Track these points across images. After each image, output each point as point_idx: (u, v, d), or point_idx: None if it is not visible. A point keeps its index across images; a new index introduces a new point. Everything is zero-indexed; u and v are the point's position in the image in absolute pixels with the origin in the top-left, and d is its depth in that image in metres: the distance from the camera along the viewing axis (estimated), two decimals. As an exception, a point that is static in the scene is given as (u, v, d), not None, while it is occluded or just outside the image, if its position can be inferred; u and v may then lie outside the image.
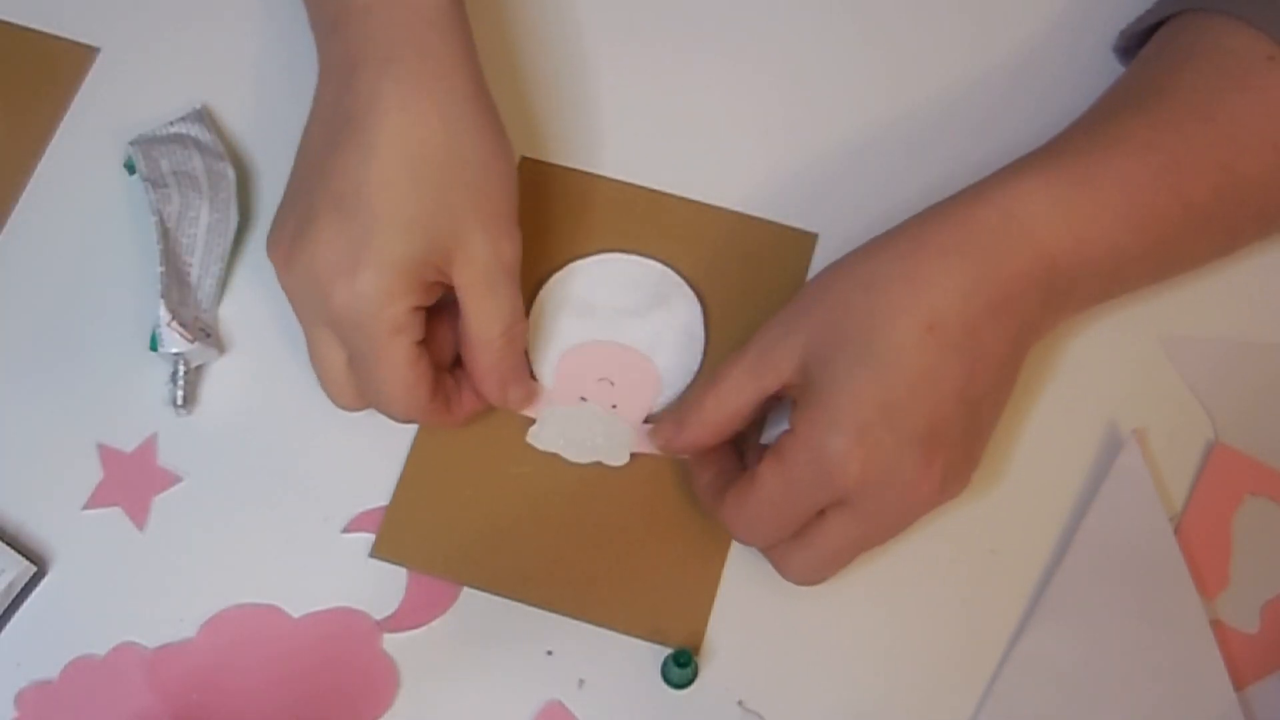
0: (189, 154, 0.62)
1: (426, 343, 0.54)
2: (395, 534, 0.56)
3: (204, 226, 0.60)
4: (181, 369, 0.58)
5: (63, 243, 0.62)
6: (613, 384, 0.59)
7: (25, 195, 0.63)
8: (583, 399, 0.59)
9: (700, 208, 0.62)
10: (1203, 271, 0.58)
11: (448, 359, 0.57)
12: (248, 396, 0.59)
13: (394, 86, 0.53)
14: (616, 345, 0.60)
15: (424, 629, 0.55)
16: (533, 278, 0.60)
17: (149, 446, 0.58)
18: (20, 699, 0.54)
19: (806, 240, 0.61)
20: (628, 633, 0.55)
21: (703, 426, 0.54)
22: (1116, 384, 0.58)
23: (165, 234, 0.59)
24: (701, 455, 0.55)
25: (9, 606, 0.56)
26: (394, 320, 0.52)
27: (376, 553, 0.56)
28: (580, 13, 0.67)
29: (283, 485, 0.58)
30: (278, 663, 0.55)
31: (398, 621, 0.55)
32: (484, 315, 0.54)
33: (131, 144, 0.63)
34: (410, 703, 0.54)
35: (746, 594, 0.55)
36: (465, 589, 0.56)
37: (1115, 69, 0.61)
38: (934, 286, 0.50)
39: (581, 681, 0.54)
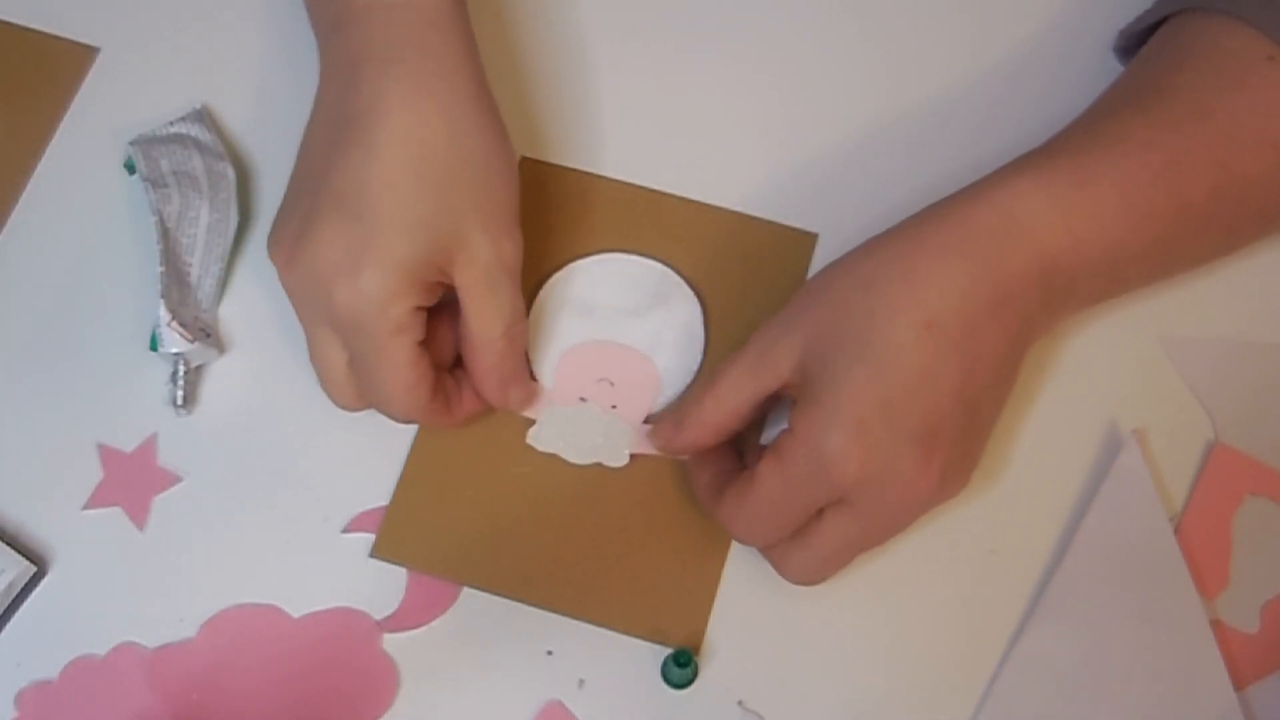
0: (189, 154, 0.62)
1: (427, 343, 0.54)
2: (395, 534, 0.56)
3: (204, 226, 0.60)
4: (181, 369, 0.58)
5: (63, 243, 0.62)
6: (612, 384, 0.59)
7: (25, 195, 0.63)
8: (582, 399, 0.59)
9: (700, 208, 0.62)
10: (1202, 271, 0.58)
11: (448, 359, 0.57)
12: (248, 396, 0.59)
13: (396, 86, 0.53)
14: (616, 345, 0.60)
15: (424, 629, 0.55)
16: (533, 278, 0.60)
17: (149, 446, 0.58)
18: (20, 699, 0.54)
19: (806, 240, 0.61)
20: (628, 633, 0.55)
21: (702, 426, 0.54)
22: (1116, 384, 0.58)
23: (165, 234, 0.59)
24: (701, 455, 0.55)
25: (9, 606, 0.56)
26: (396, 320, 0.52)
27: (376, 553, 0.56)
28: (581, 13, 0.67)
29: (283, 485, 0.58)
30: (278, 663, 0.55)
31: (398, 621, 0.55)
32: (485, 315, 0.54)
33: (131, 144, 0.63)
34: (410, 703, 0.54)
35: (746, 594, 0.55)
36: (465, 589, 0.56)
37: (1114, 69, 0.61)
38: (932, 286, 0.50)
39: (581, 681, 0.54)
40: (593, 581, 0.56)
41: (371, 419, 0.56)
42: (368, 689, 0.54)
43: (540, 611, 0.55)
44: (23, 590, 0.56)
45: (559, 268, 0.61)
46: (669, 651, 0.54)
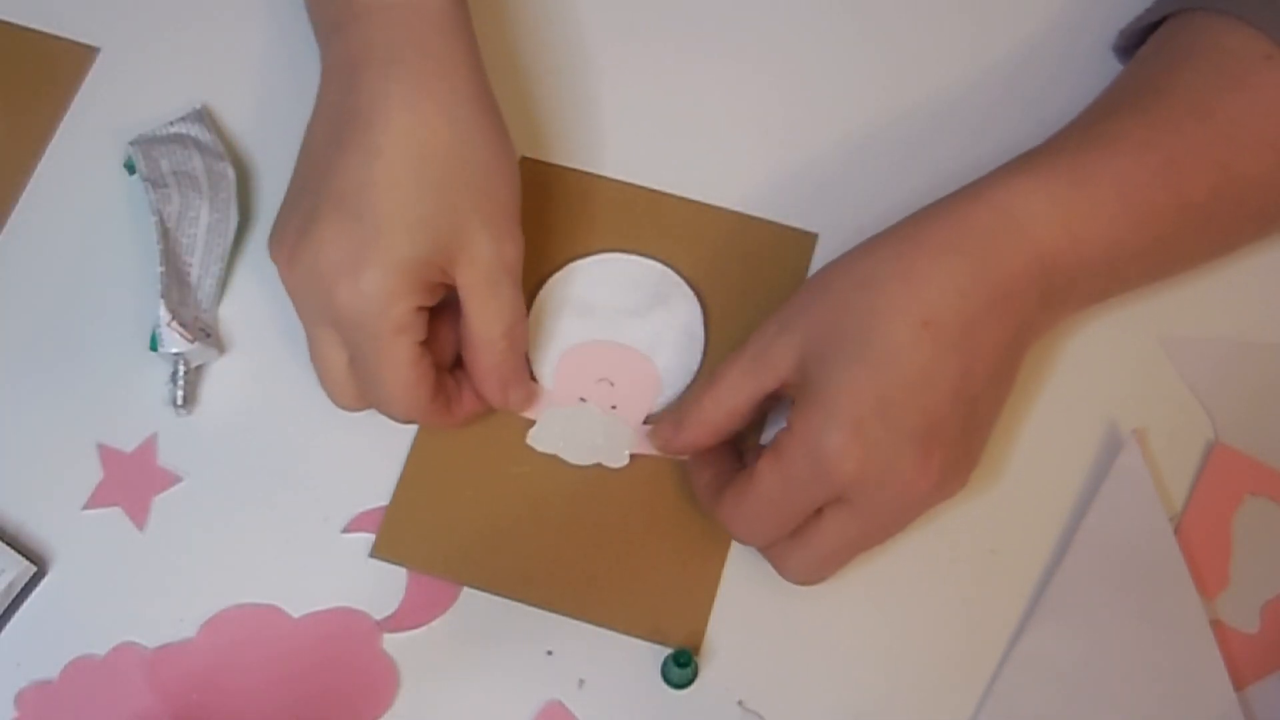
0: (189, 154, 0.62)
1: (428, 343, 0.54)
2: (395, 534, 0.56)
3: (204, 226, 0.60)
4: (181, 369, 0.58)
5: (63, 243, 0.62)
6: (612, 384, 0.59)
7: (25, 195, 0.63)
8: (582, 399, 0.59)
9: (700, 208, 0.62)
10: (1202, 271, 0.58)
11: (448, 359, 0.57)
12: (248, 396, 0.59)
13: (397, 87, 0.53)
14: (616, 345, 0.60)
15: (424, 629, 0.55)
16: (533, 278, 0.60)
17: (149, 446, 0.58)
18: (20, 699, 0.54)
19: (806, 240, 0.61)
20: (628, 633, 0.55)
21: (701, 426, 0.54)
22: (1116, 384, 0.58)
23: (165, 234, 0.59)
24: (700, 455, 0.55)
25: (9, 606, 0.56)
26: (397, 320, 0.52)
27: (376, 553, 0.56)
28: (581, 13, 0.67)
29: (283, 485, 0.58)
30: (278, 663, 0.55)
31: (398, 621, 0.55)
32: (486, 316, 0.54)
33: (131, 144, 0.63)
34: (410, 703, 0.54)
35: (746, 594, 0.55)
36: (465, 589, 0.56)
37: (1113, 68, 0.61)
38: (931, 284, 0.50)
39: (581, 681, 0.54)
40: (593, 581, 0.56)
41: (371, 419, 0.56)
42: (368, 689, 0.54)
43: (540, 611, 0.55)
44: (23, 590, 0.56)
45: (559, 268, 0.61)
46: (669, 651, 0.54)
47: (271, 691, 0.54)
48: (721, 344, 0.59)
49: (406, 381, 0.53)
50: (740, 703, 0.54)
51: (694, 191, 0.62)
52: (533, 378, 0.59)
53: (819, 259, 0.61)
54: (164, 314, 0.57)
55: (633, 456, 0.57)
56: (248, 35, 0.67)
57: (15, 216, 0.63)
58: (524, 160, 0.63)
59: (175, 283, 0.59)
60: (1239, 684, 0.53)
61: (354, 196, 0.52)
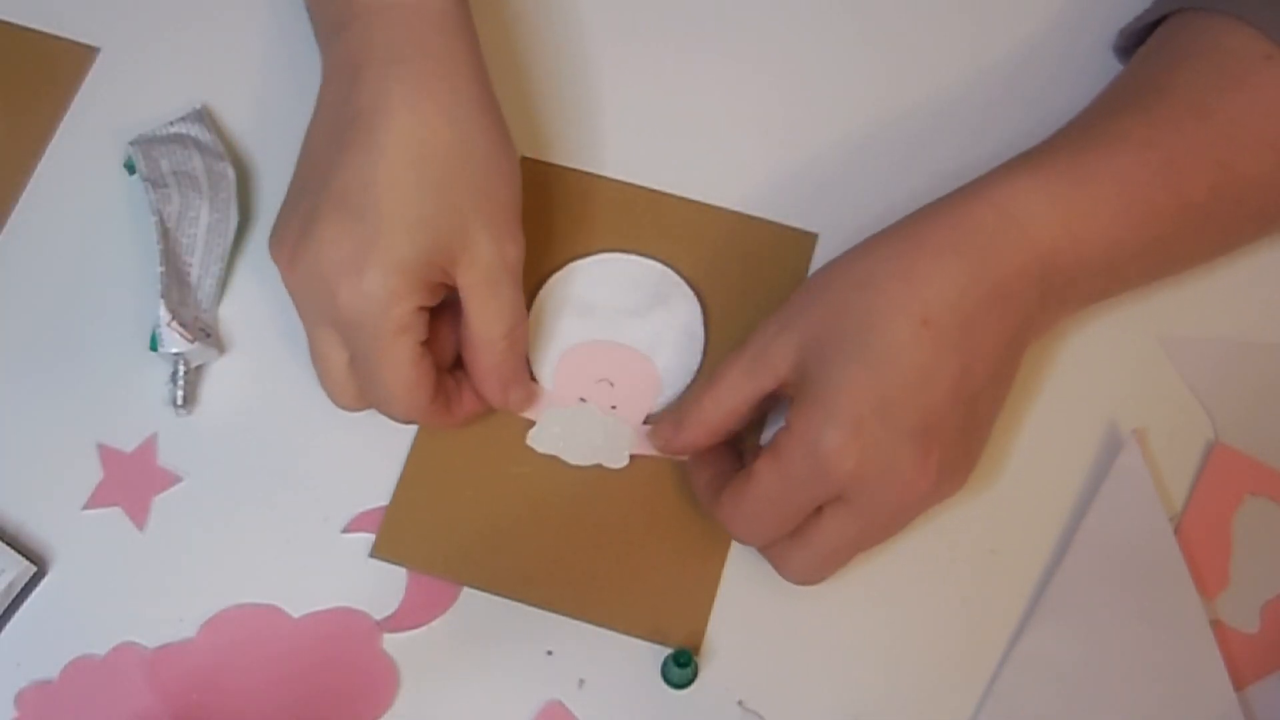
0: (189, 154, 0.62)
1: (428, 343, 0.54)
2: (395, 534, 0.56)
3: (204, 226, 0.60)
4: (181, 369, 0.58)
5: (63, 243, 0.62)
6: (612, 385, 0.59)
7: (25, 195, 0.63)
8: (582, 399, 0.59)
9: (700, 208, 0.62)
10: (1202, 271, 0.58)
11: (449, 360, 0.57)
12: (248, 396, 0.59)
13: (399, 87, 0.53)
14: (616, 345, 0.60)
15: (424, 629, 0.55)
16: (533, 278, 0.60)
17: (149, 446, 0.58)
18: (20, 699, 0.54)
19: (806, 240, 0.61)
20: (628, 633, 0.55)
21: (701, 426, 0.54)
22: (1116, 384, 0.58)
23: (165, 234, 0.59)
24: (700, 456, 0.55)
25: (9, 606, 0.56)
26: (399, 320, 0.52)
27: (376, 553, 0.56)
28: (581, 13, 0.67)
29: (283, 485, 0.58)
30: (278, 663, 0.55)
31: (398, 621, 0.55)
32: (487, 316, 0.54)
33: (131, 144, 0.63)
34: (410, 703, 0.54)
35: (746, 594, 0.55)
36: (465, 589, 0.56)
37: (1113, 68, 0.61)
38: (930, 284, 0.50)
39: (581, 681, 0.54)
40: (593, 581, 0.56)
41: (371, 419, 0.56)
42: (368, 689, 0.54)
43: (540, 611, 0.55)
44: (23, 590, 0.56)
45: (559, 268, 0.61)
46: (669, 651, 0.54)
47: (271, 691, 0.54)
48: (721, 344, 0.59)
49: (407, 381, 0.53)
50: (740, 703, 0.54)
51: (694, 191, 0.62)
52: (532, 378, 0.59)
53: (819, 259, 0.61)
54: (164, 314, 0.57)
55: (633, 457, 0.57)
56: (248, 35, 0.67)
57: (15, 216, 0.63)
58: (524, 160, 0.63)
59: (175, 283, 0.59)
60: (1239, 684, 0.53)
61: (355, 196, 0.52)
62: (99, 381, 0.59)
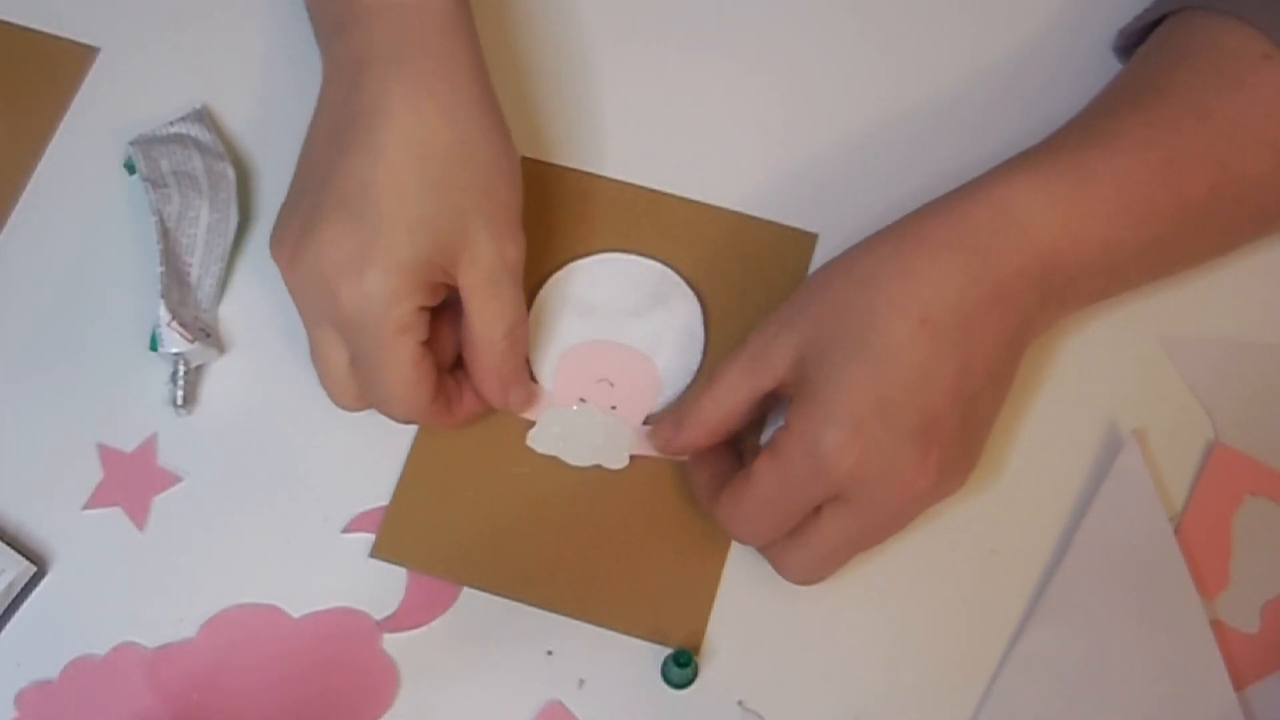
0: (189, 154, 0.62)
1: (428, 344, 0.54)
2: (395, 534, 0.56)
3: (204, 226, 0.60)
4: (181, 369, 0.58)
5: (63, 243, 0.62)
6: (612, 385, 0.59)
7: (25, 195, 0.63)
8: (582, 399, 0.59)
9: (700, 208, 0.62)
10: (1202, 271, 0.58)
11: (449, 360, 0.57)
12: (248, 396, 0.59)
13: (400, 87, 0.53)
14: (616, 345, 0.60)
15: (424, 629, 0.55)
16: (533, 278, 0.60)
17: (149, 446, 0.58)
18: (20, 699, 0.54)
19: (806, 240, 0.61)
20: (628, 633, 0.55)
21: (700, 426, 0.54)
22: (1116, 384, 0.58)
23: (165, 234, 0.59)
24: (700, 456, 0.55)
25: (9, 606, 0.56)
26: (400, 320, 0.52)
27: (376, 553, 0.56)
28: (581, 13, 0.67)
29: (283, 485, 0.58)
30: (278, 663, 0.55)
31: (398, 621, 0.55)
32: (488, 316, 0.54)
33: (131, 144, 0.63)
34: (410, 703, 0.54)
35: (746, 594, 0.55)
36: (465, 589, 0.56)
37: (1113, 68, 0.61)
38: (929, 283, 0.50)
39: (581, 681, 0.54)
40: (593, 581, 0.56)
41: (371, 419, 0.56)
42: (368, 689, 0.54)
43: (540, 611, 0.55)
44: (23, 590, 0.56)
45: (559, 268, 0.61)
46: (669, 651, 0.54)
47: (271, 691, 0.54)
48: (721, 344, 0.59)
49: (408, 382, 0.53)
50: (740, 703, 0.54)
51: (694, 191, 0.62)
52: (532, 378, 0.59)
53: (819, 259, 0.61)
54: (164, 314, 0.57)
55: (633, 457, 0.57)
56: (248, 35, 0.67)
57: (15, 216, 0.63)
58: (524, 160, 0.62)
59: (175, 283, 0.59)
60: (1239, 684, 0.53)
61: (356, 196, 0.52)
62: (99, 381, 0.59)
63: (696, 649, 0.54)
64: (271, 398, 0.59)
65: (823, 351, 0.50)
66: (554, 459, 0.57)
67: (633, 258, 0.61)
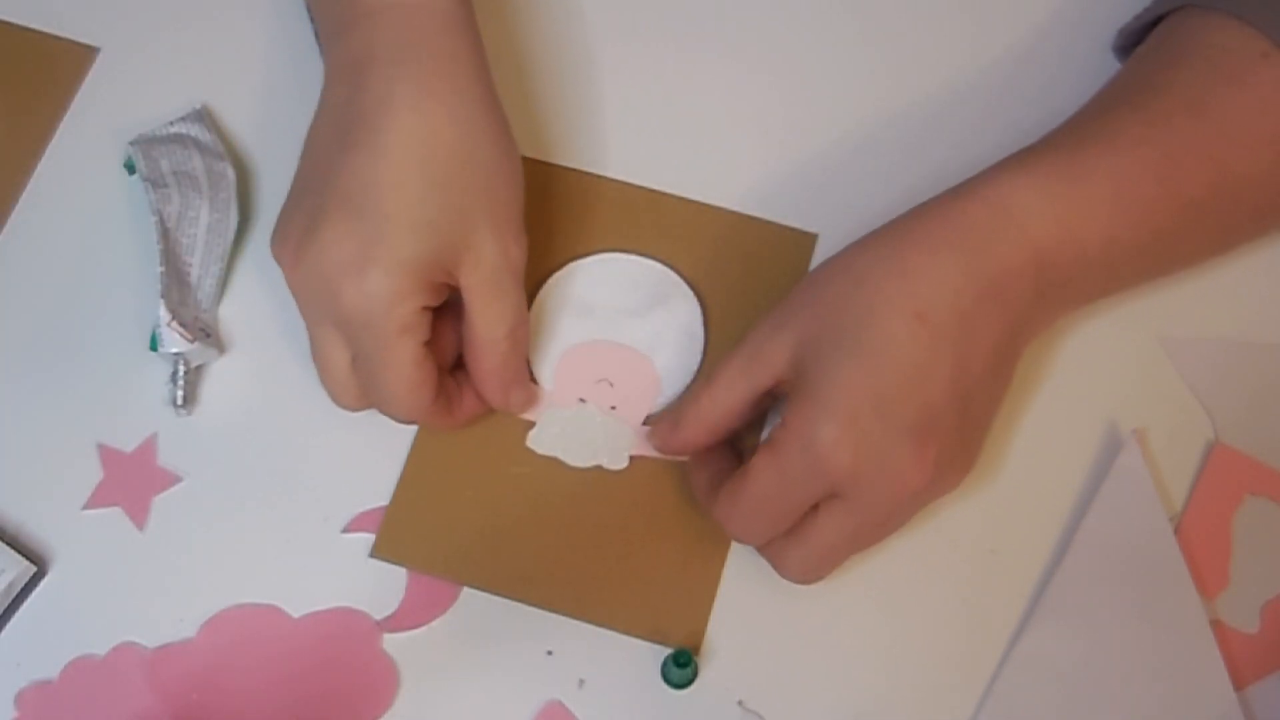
0: (189, 154, 0.62)
1: (430, 344, 0.54)
2: (395, 534, 0.56)
3: (204, 226, 0.60)
4: (181, 369, 0.58)
5: (63, 243, 0.62)
6: (612, 385, 0.59)
7: (25, 195, 0.63)
8: (582, 400, 0.59)
9: (700, 208, 0.62)
10: (1202, 271, 0.58)
11: (450, 360, 0.57)
12: (248, 396, 0.59)
13: (402, 87, 0.53)
14: (616, 345, 0.60)
15: (424, 629, 0.55)
16: (533, 278, 0.60)
17: (149, 446, 0.58)
18: (20, 699, 0.54)
19: (806, 240, 0.61)
20: (628, 633, 0.55)
21: (699, 425, 0.54)
22: (1116, 384, 0.58)
23: (165, 234, 0.59)
24: (699, 455, 0.55)
25: (9, 606, 0.56)
26: (402, 320, 0.52)
27: (376, 553, 0.56)
28: (582, 13, 0.67)
29: (283, 485, 0.58)
30: (278, 663, 0.55)
31: (398, 621, 0.55)
32: (490, 317, 0.54)
33: (131, 144, 0.63)
34: (410, 703, 0.54)
35: (746, 594, 0.55)
36: (465, 589, 0.56)
37: (1113, 68, 0.61)
38: (925, 279, 0.50)
39: (581, 681, 0.54)
40: (593, 581, 0.56)
41: (371, 419, 0.56)
42: (368, 689, 0.54)
43: (540, 611, 0.55)
44: (23, 590, 0.56)
45: (559, 268, 0.61)
46: (669, 651, 0.54)
47: (271, 691, 0.54)
48: (721, 344, 0.59)
49: (410, 382, 0.53)
50: (740, 703, 0.54)
51: (694, 191, 0.62)
52: (532, 378, 0.59)
53: (819, 259, 0.61)
54: (164, 314, 0.57)
55: (632, 458, 0.57)
56: (248, 35, 0.67)
57: (15, 216, 0.63)
58: (525, 160, 0.62)
59: (175, 283, 0.59)
60: (1239, 684, 0.53)
61: (359, 196, 0.52)
62: (99, 381, 0.59)
63: (696, 649, 0.54)
64: (271, 398, 0.59)
65: (820, 349, 0.50)
66: (554, 459, 0.57)
67: (633, 258, 0.61)
